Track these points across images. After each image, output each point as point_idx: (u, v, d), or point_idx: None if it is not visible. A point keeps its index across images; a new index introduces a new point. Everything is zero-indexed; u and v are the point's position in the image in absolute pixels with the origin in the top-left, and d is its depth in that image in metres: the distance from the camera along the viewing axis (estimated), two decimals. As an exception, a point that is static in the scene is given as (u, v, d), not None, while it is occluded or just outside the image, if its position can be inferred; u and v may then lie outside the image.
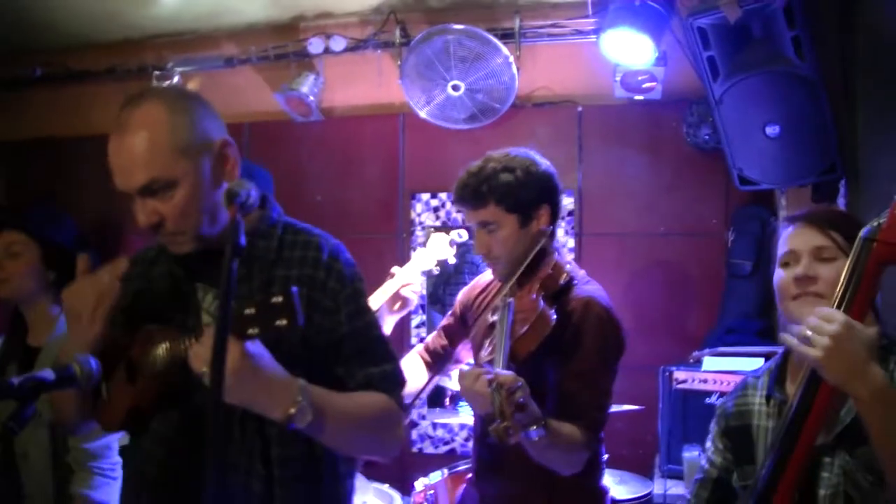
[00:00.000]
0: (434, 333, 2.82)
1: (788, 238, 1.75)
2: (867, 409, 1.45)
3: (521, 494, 2.34)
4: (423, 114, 4.41)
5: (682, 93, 4.06)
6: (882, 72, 2.82)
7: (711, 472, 1.87)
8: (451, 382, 3.57)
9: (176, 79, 4.80)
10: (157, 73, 4.81)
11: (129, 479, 1.86)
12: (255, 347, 1.47)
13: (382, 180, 4.64)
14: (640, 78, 4.01)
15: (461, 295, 2.75)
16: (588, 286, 2.34)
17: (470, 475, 2.64)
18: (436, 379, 2.91)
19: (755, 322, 3.82)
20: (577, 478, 2.23)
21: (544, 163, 2.39)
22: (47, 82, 5.13)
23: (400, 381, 1.81)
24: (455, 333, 2.73)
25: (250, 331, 1.41)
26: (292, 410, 1.49)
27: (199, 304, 1.74)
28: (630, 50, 3.67)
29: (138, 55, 4.96)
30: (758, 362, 3.36)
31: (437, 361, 2.73)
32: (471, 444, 2.97)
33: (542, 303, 2.18)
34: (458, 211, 2.41)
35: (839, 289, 1.54)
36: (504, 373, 1.93)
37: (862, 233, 1.53)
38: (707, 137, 3.97)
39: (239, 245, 1.40)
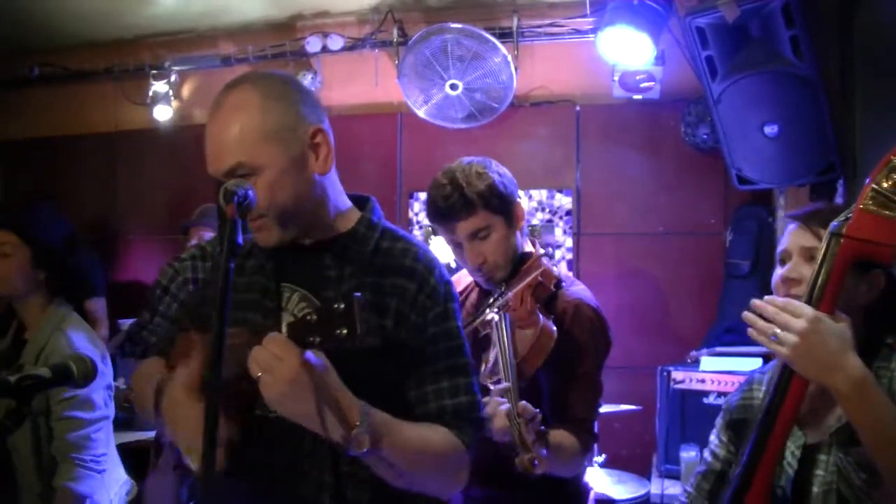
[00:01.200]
0: None
1: (786, 236, 1.75)
2: (846, 400, 1.44)
3: (506, 495, 2.33)
4: (421, 113, 4.41)
5: (680, 92, 4.07)
6: (880, 71, 2.82)
7: (714, 464, 1.84)
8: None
9: (173, 78, 4.80)
10: (154, 72, 4.81)
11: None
12: (318, 358, 1.37)
13: (380, 179, 4.63)
14: (638, 77, 4.01)
15: None
16: (575, 287, 2.32)
17: None
18: None
19: (753, 322, 3.81)
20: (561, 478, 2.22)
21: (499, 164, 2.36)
22: (45, 82, 5.14)
23: (474, 419, 1.63)
24: None
25: (310, 339, 1.33)
26: (350, 435, 1.38)
27: (282, 305, 1.65)
28: (628, 50, 3.67)
29: (136, 55, 4.97)
30: (756, 362, 3.36)
31: None
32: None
33: (541, 317, 2.13)
34: (440, 227, 2.30)
35: (809, 283, 1.53)
36: (522, 404, 1.88)
37: (830, 227, 1.53)
38: (705, 137, 3.97)
39: (236, 244, 1.36)
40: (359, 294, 1.31)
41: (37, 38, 4.92)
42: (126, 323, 3.94)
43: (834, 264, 1.50)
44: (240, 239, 1.37)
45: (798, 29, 2.89)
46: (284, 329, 1.36)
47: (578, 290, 2.31)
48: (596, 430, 2.27)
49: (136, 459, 3.04)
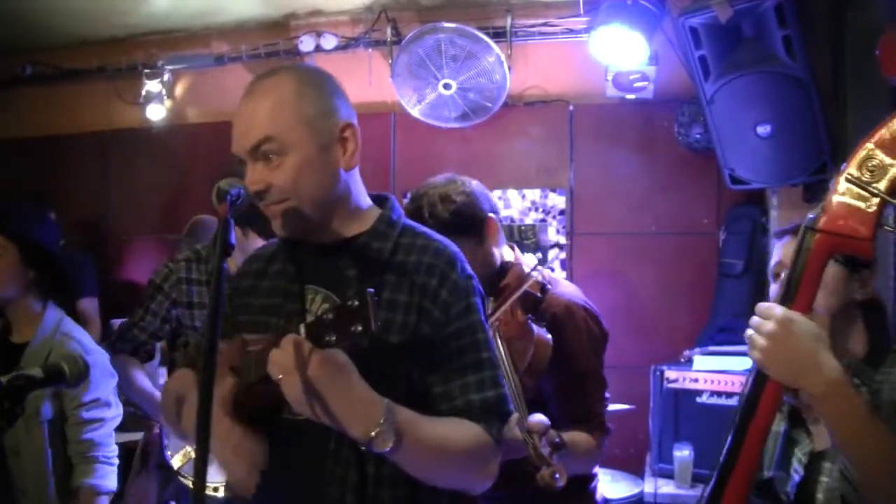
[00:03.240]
0: None
1: (777, 250, 1.72)
2: (820, 403, 1.39)
3: (513, 493, 2.33)
4: (414, 112, 4.40)
5: (673, 92, 4.07)
6: (872, 72, 2.83)
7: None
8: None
9: (166, 77, 4.79)
10: (147, 71, 4.80)
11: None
12: (338, 356, 1.37)
13: (374, 179, 4.54)
14: (631, 77, 4.02)
15: None
16: (561, 288, 2.31)
17: None
18: None
19: (746, 321, 3.81)
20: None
21: (469, 180, 2.32)
22: (38, 81, 5.12)
23: (501, 413, 1.61)
24: None
25: (328, 338, 1.33)
26: (373, 433, 1.37)
27: (306, 307, 1.63)
28: (621, 49, 3.67)
29: (129, 53, 4.95)
30: (749, 362, 3.36)
31: None
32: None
33: (534, 328, 2.12)
34: None
35: (784, 281, 1.46)
36: (533, 418, 1.88)
37: (805, 221, 1.43)
38: (698, 137, 3.98)
39: (229, 244, 1.36)
40: (371, 290, 1.30)
41: (29, 36, 4.90)
42: (118, 323, 3.93)
43: (809, 260, 1.41)
44: (232, 239, 1.37)
45: (791, 29, 2.90)
46: (302, 330, 1.36)
47: (564, 290, 2.31)
48: (608, 424, 2.26)
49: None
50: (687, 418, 3.43)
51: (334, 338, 1.32)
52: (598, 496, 2.46)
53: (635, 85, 4.05)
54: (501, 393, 1.62)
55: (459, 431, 1.55)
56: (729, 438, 1.48)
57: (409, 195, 2.29)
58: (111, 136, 5.12)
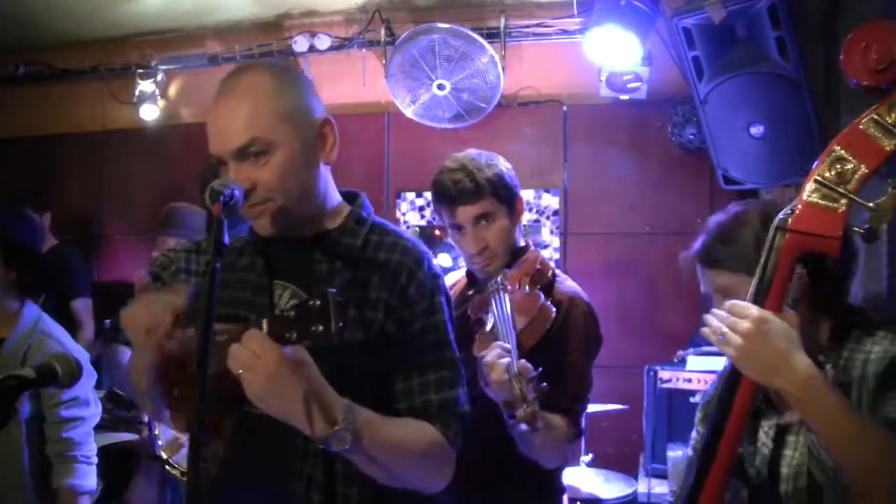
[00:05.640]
0: None
1: (701, 281, 1.78)
2: (795, 402, 1.42)
3: (477, 496, 2.32)
4: (408, 113, 4.40)
5: (667, 93, 4.08)
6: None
7: (694, 458, 1.81)
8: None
9: (160, 77, 4.78)
10: (140, 71, 4.79)
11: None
12: (299, 353, 1.36)
13: (368, 179, 4.63)
14: (625, 78, 4.02)
15: None
16: (569, 283, 2.37)
17: None
18: None
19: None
20: (536, 475, 2.23)
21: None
22: (31, 80, 5.11)
23: (459, 413, 1.63)
24: None
25: (288, 335, 1.33)
26: (330, 432, 1.38)
27: (274, 302, 1.63)
28: (615, 50, 3.68)
29: (122, 53, 4.95)
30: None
31: None
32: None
33: (542, 297, 2.17)
34: (444, 210, 2.33)
35: (755, 280, 1.49)
36: (522, 362, 1.91)
37: (775, 221, 1.49)
38: (692, 137, 3.99)
39: (223, 244, 1.36)
40: (333, 290, 1.31)
41: (22, 35, 4.89)
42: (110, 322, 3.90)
43: (779, 259, 1.46)
44: (226, 239, 1.37)
45: (784, 30, 2.91)
46: (265, 326, 1.35)
47: (571, 285, 2.36)
48: (583, 426, 2.27)
49: (113, 461, 3.01)
50: (680, 418, 3.43)
51: (295, 335, 1.32)
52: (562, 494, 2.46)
53: (629, 85, 4.06)
54: (459, 393, 1.64)
55: (416, 433, 1.57)
56: (703, 439, 1.53)
57: (449, 158, 2.33)
58: (105, 136, 5.11)
